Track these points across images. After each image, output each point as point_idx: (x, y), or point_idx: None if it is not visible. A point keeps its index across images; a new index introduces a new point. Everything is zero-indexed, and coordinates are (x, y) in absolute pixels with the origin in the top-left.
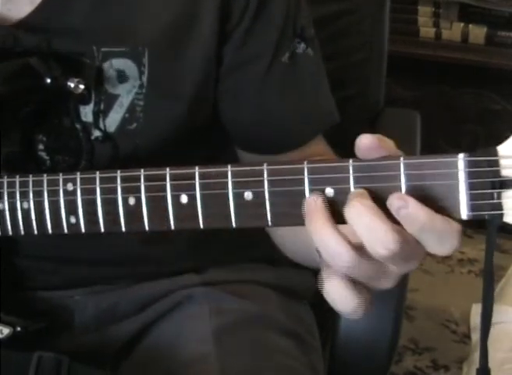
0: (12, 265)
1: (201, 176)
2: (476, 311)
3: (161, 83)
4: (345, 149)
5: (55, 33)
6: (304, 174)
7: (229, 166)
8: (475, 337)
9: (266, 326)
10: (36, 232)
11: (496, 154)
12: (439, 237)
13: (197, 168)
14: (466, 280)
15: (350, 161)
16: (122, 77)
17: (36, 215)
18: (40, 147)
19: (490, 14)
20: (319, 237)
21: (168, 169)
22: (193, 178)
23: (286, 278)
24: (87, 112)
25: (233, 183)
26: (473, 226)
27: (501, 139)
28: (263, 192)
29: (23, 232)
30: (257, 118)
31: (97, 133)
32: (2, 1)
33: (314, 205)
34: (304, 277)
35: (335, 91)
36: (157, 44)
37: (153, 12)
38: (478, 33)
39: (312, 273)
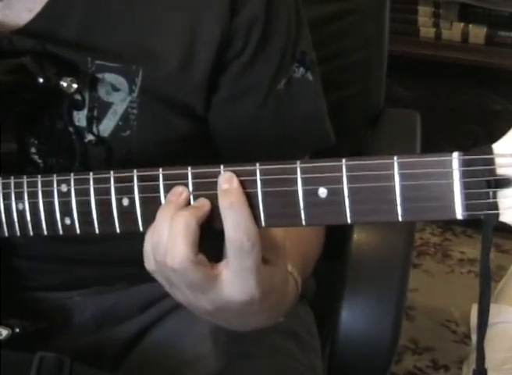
0: (11, 265)
1: (194, 177)
2: (476, 311)
3: (150, 104)
4: (346, 149)
5: (51, 41)
6: (297, 174)
7: (222, 166)
8: (475, 337)
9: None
10: (31, 233)
11: (491, 152)
12: None
13: (189, 168)
14: (466, 280)
15: (343, 160)
16: (114, 88)
17: (31, 216)
18: (33, 150)
19: (490, 14)
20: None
21: (161, 169)
22: (186, 178)
23: None
24: (80, 117)
25: None
26: (473, 226)
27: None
28: (256, 192)
29: (18, 233)
30: (248, 142)
31: (90, 137)
32: (0, 7)
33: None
34: None
35: (335, 91)
36: (152, 66)
37: (151, 36)
38: (478, 33)
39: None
